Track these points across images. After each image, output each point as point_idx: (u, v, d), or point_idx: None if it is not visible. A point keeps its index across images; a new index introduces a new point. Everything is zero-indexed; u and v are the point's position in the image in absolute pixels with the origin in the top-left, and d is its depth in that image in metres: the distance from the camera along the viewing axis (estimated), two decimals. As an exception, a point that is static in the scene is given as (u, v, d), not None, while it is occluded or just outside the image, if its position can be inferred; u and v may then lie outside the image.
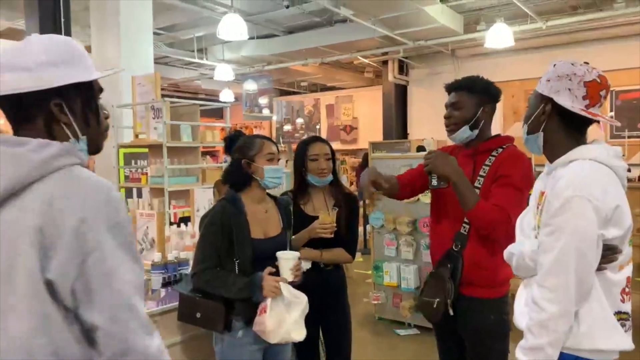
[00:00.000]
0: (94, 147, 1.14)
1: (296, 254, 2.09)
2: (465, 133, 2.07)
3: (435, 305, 2.06)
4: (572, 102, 1.44)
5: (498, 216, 1.90)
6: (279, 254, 2.05)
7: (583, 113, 1.44)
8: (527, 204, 1.92)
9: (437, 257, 2.14)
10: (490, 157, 2.05)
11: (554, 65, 1.50)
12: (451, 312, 2.03)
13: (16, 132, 1.06)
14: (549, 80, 1.48)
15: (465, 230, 2.04)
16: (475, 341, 2.09)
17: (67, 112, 1.06)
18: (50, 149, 1.00)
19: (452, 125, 2.09)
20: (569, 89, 1.44)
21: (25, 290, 0.95)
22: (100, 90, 1.16)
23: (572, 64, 1.47)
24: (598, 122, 1.50)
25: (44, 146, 1.00)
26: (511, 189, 1.95)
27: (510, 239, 1.81)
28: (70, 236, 0.95)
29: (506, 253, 1.62)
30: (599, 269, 1.38)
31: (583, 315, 1.38)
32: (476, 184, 2.02)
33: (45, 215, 0.95)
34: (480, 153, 2.08)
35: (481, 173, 2.04)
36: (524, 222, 1.62)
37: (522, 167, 2.00)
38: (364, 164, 8.03)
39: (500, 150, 2.06)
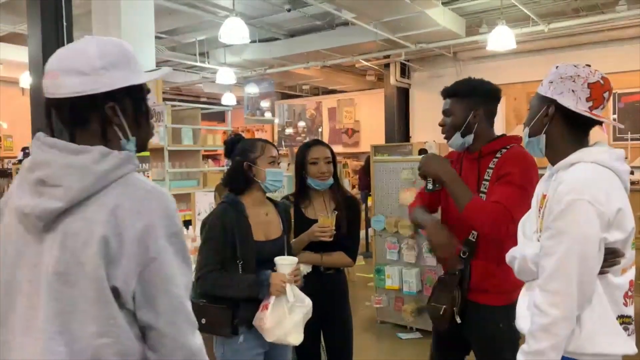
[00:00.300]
0: (141, 146, 1.18)
1: (294, 259, 2.08)
2: (458, 140, 2.04)
3: (441, 312, 2.02)
4: (576, 104, 1.43)
5: (497, 213, 1.83)
6: (277, 259, 2.05)
7: (587, 114, 1.43)
8: (529, 204, 1.90)
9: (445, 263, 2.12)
10: (494, 159, 2.00)
11: (556, 67, 1.49)
12: (458, 320, 1.99)
13: (71, 135, 1.10)
14: (551, 82, 1.47)
15: (473, 237, 2.00)
16: (485, 350, 2.05)
17: (119, 114, 1.10)
18: (112, 159, 1.04)
19: (445, 133, 2.08)
20: (573, 91, 1.43)
21: (93, 295, 1.00)
22: (148, 91, 1.19)
23: (575, 66, 1.47)
24: (601, 124, 1.49)
25: (106, 156, 1.04)
26: (511, 186, 1.88)
27: (512, 239, 1.79)
28: (132, 245, 1.00)
29: (508, 256, 1.60)
30: (601, 272, 1.37)
31: (585, 319, 1.37)
32: (482, 189, 1.98)
33: (110, 225, 1.00)
34: (484, 156, 2.03)
35: (486, 177, 1.99)
36: (526, 225, 1.61)
37: (523, 165, 1.93)
38: (367, 167, 8.02)
39: (504, 151, 2.01)
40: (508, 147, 2.02)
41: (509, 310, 2.01)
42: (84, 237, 1.00)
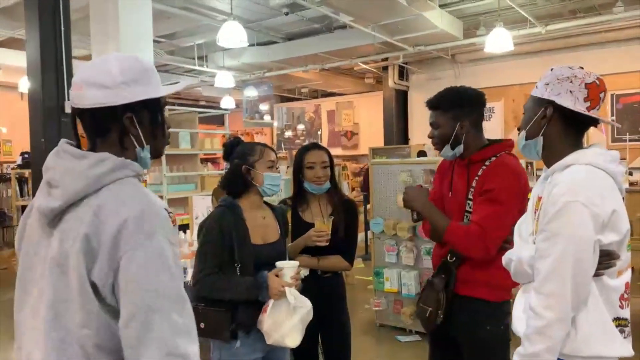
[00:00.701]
0: (156, 155, 1.29)
1: (296, 263, 2.08)
2: (448, 152, 2.09)
3: (427, 314, 2.06)
4: (574, 104, 1.44)
5: (473, 236, 1.92)
6: (279, 263, 2.04)
7: (587, 113, 1.43)
8: (515, 216, 1.93)
9: (436, 264, 2.15)
10: (483, 167, 2.02)
11: (551, 69, 1.50)
12: (438, 321, 2.04)
13: (92, 142, 1.21)
14: (548, 84, 1.47)
15: None
16: (473, 351, 2.06)
17: (136, 124, 1.20)
18: (106, 164, 1.13)
19: (436, 145, 2.13)
20: (570, 91, 1.44)
21: (77, 287, 1.08)
22: (165, 103, 1.29)
23: (570, 68, 1.47)
24: (596, 125, 1.50)
25: (101, 161, 1.13)
26: (492, 204, 1.93)
27: (490, 253, 1.90)
28: (108, 243, 1.06)
29: (505, 259, 1.61)
30: (597, 274, 1.37)
31: (581, 321, 1.37)
32: (469, 196, 2.02)
33: (92, 224, 1.07)
34: (472, 164, 2.06)
35: (473, 184, 2.02)
36: (522, 227, 1.61)
37: (506, 180, 1.96)
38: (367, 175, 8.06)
39: (493, 159, 2.03)
40: (497, 155, 2.04)
41: (498, 310, 2.03)
42: (73, 234, 1.09)
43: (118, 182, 1.12)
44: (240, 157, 2.14)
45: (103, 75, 1.16)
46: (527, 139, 1.54)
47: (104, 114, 1.17)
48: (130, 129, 1.20)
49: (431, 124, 2.11)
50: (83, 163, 1.12)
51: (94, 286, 1.07)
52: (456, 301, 2.03)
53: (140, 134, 1.21)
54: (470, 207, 2.01)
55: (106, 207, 1.08)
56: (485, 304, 2.01)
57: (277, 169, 2.18)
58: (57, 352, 1.09)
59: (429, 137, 2.14)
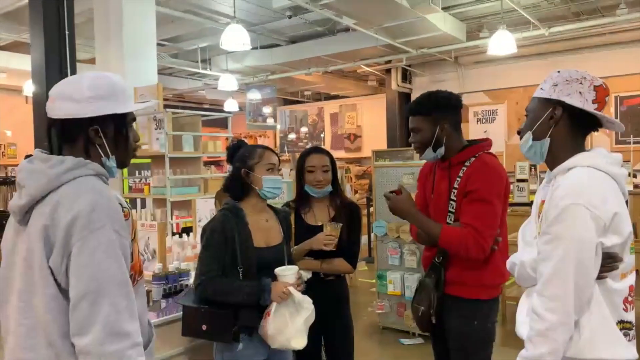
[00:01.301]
0: (121, 165, 1.41)
1: (295, 267, 2.07)
2: (430, 155, 2.13)
3: (420, 314, 2.12)
4: (583, 105, 1.44)
5: (466, 238, 1.96)
6: (277, 270, 2.03)
7: (597, 113, 1.44)
8: (500, 215, 2.02)
9: (426, 265, 2.20)
10: (463, 167, 2.08)
11: (558, 71, 1.50)
12: (433, 320, 2.08)
13: (60, 148, 1.33)
14: (556, 85, 1.47)
15: None
16: (456, 345, 2.11)
17: (101, 135, 1.33)
18: (65, 164, 1.25)
19: (417, 149, 2.17)
20: (580, 92, 1.44)
21: (38, 275, 1.20)
22: (133, 119, 1.42)
23: (577, 71, 1.48)
24: (597, 129, 1.50)
25: (61, 162, 1.25)
26: (479, 203, 1.99)
27: (486, 251, 1.96)
28: (62, 232, 1.18)
29: (508, 263, 1.61)
30: (600, 277, 1.37)
31: (584, 324, 1.37)
32: (452, 196, 2.06)
33: (50, 217, 1.20)
34: (453, 166, 2.11)
35: (455, 185, 2.07)
36: (526, 231, 1.60)
37: (489, 179, 2.02)
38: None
39: (472, 159, 2.08)
40: (476, 155, 2.09)
41: (486, 306, 2.08)
42: (36, 227, 1.22)
43: (76, 180, 1.25)
44: (240, 161, 2.14)
45: (74, 90, 1.30)
46: (533, 140, 1.53)
47: (72, 124, 1.30)
48: (95, 139, 1.33)
49: (412, 129, 2.16)
50: (45, 164, 1.26)
51: (51, 271, 1.20)
52: (446, 300, 2.08)
53: (105, 144, 1.34)
54: (452, 208, 2.06)
55: (62, 202, 1.20)
56: (474, 301, 2.07)
57: (278, 171, 2.17)
58: (25, 339, 1.22)
59: (410, 142, 2.20)
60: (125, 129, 1.39)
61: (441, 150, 2.11)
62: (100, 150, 1.34)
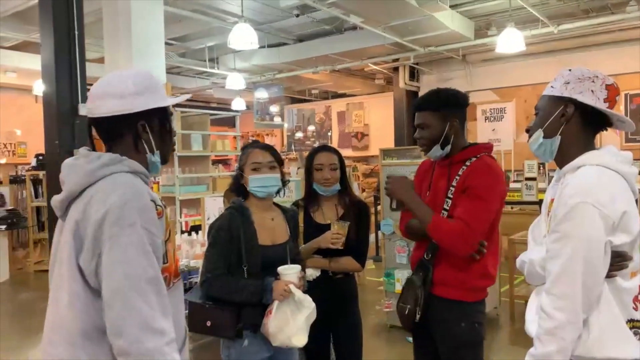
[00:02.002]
0: (164, 159, 1.42)
1: (297, 266, 2.07)
2: (437, 152, 2.09)
3: (406, 312, 2.08)
4: (595, 103, 1.44)
5: (456, 231, 1.91)
6: (280, 269, 2.04)
7: (609, 111, 1.43)
8: (495, 216, 1.99)
9: (414, 264, 2.17)
10: (463, 167, 2.05)
11: (569, 70, 1.50)
12: (416, 319, 2.05)
13: (109, 148, 1.34)
14: (568, 83, 1.47)
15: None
16: (447, 348, 2.08)
17: (148, 130, 1.34)
18: (101, 160, 1.26)
19: (424, 146, 2.12)
20: (592, 90, 1.44)
21: (67, 270, 1.21)
22: (171, 113, 1.43)
23: (588, 69, 1.48)
24: (607, 128, 1.49)
25: (97, 157, 1.27)
26: (475, 200, 1.95)
27: (473, 248, 1.93)
28: (93, 227, 1.18)
29: (518, 261, 1.60)
30: (609, 276, 1.36)
31: (593, 323, 1.36)
32: (449, 194, 2.03)
33: (83, 212, 1.21)
34: (454, 164, 2.08)
35: (453, 183, 2.04)
36: (535, 230, 1.60)
37: (488, 178, 1.99)
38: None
39: (473, 159, 2.05)
40: (478, 156, 2.06)
41: (472, 309, 2.05)
42: (70, 222, 1.23)
43: (112, 176, 1.25)
44: (238, 162, 2.19)
45: (118, 87, 1.30)
46: (544, 138, 1.52)
47: (119, 121, 1.30)
48: (143, 134, 1.33)
49: (419, 125, 2.11)
50: (83, 160, 1.28)
51: (80, 270, 1.20)
52: (433, 299, 2.05)
53: (151, 139, 1.35)
54: (447, 206, 2.04)
55: (96, 197, 1.21)
56: (459, 303, 2.04)
57: (272, 169, 2.13)
58: (49, 333, 1.24)
59: (416, 138, 2.14)
60: (169, 123, 1.40)
61: (448, 148, 2.08)
62: (146, 146, 1.35)
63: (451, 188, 2.03)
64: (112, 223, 1.17)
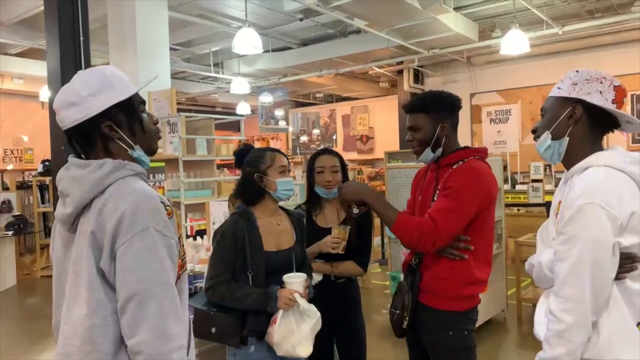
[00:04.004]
0: (148, 150, 1.36)
1: (303, 275, 2.06)
2: (428, 155, 2.05)
3: (395, 317, 2.05)
4: (603, 104, 1.43)
5: (422, 228, 1.87)
6: (285, 278, 2.02)
7: (618, 111, 1.42)
8: (468, 217, 1.91)
9: (404, 269, 2.14)
10: (450, 170, 2.01)
11: (577, 71, 1.49)
12: (404, 325, 2.01)
13: (86, 156, 1.31)
14: (575, 84, 1.46)
15: None
16: (437, 354, 2.05)
17: (116, 129, 1.28)
18: (105, 167, 1.23)
19: (415, 148, 2.06)
20: (600, 91, 1.43)
21: (86, 280, 1.20)
22: (142, 102, 1.35)
23: (595, 71, 1.47)
24: (613, 129, 1.48)
25: (100, 166, 1.24)
26: (448, 199, 1.91)
27: (437, 246, 1.87)
28: (109, 236, 1.18)
29: (527, 264, 1.59)
30: (618, 278, 1.35)
31: (602, 325, 1.35)
32: (434, 198, 1.99)
33: (96, 222, 1.20)
34: (442, 167, 2.05)
35: (439, 187, 2.00)
36: (544, 232, 1.59)
37: (465, 179, 1.93)
38: None
39: (460, 163, 2.01)
40: (465, 159, 2.02)
41: (460, 317, 2.00)
42: (84, 234, 1.21)
43: (118, 182, 1.23)
44: (251, 165, 2.15)
45: (70, 94, 1.26)
46: (552, 139, 1.51)
47: (85, 128, 1.26)
48: (112, 134, 1.28)
49: (411, 127, 2.06)
50: (85, 170, 1.24)
51: (102, 274, 1.20)
52: (420, 309, 2.01)
53: (124, 136, 1.29)
54: None
55: (107, 206, 1.20)
56: (445, 312, 1.99)
57: (289, 172, 2.18)
58: (63, 345, 1.23)
59: (408, 140, 2.09)
60: (136, 113, 1.32)
61: (439, 152, 2.04)
62: (122, 144, 1.30)
63: (437, 192, 2.00)
64: (125, 229, 1.17)
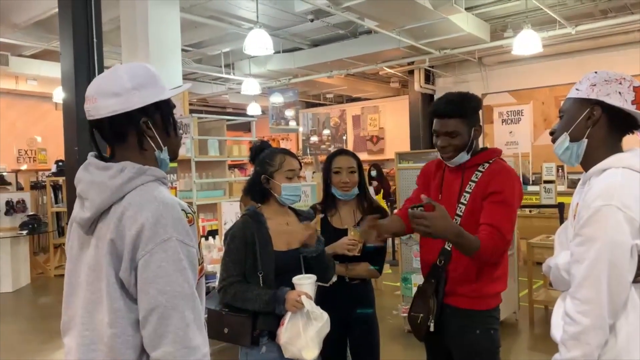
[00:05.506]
0: (173, 155, 1.35)
1: (312, 276, 2.05)
2: (463, 158, 2.03)
3: (419, 321, 2.04)
4: (623, 105, 1.42)
5: (494, 241, 1.88)
6: (295, 279, 2.02)
7: (638, 112, 1.41)
8: (515, 219, 1.99)
9: (425, 271, 2.12)
10: (476, 172, 2.01)
11: (595, 72, 1.48)
12: (431, 328, 2.00)
13: (112, 150, 1.28)
14: (594, 85, 1.45)
15: (449, 246, 2.01)
16: (462, 356, 2.04)
17: (151, 127, 1.27)
18: (125, 173, 1.20)
19: (450, 153, 2.01)
20: (620, 92, 1.42)
21: (106, 288, 1.18)
22: (173, 106, 1.34)
23: (614, 72, 1.46)
24: (633, 131, 1.47)
25: (121, 171, 1.21)
26: (503, 206, 1.93)
27: (502, 255, 1.96)
28: (130, 246, 1.15)
29: (544, 266, 1.58)
30: (636, 280, 1.33)
31: (620, 328, 1.33)
32: (462, 200, 2.00)
33: (116, 230, 1.17)
34: (467, 168, 2.04)
35: (467, 189, 2.00)
36: (562, 235, 1.58)
37: (513, 183, 1.98)
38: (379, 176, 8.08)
39: (487, 165, 2.01)
40: (491, 161, 2.03)
41: (486, 316, 2.02)
42: (103, 241, 1.19)
43: (138, 189, 1.20)
44: (260, 165, 2.15)
45: (114, 84, 1.23)
46: (571, 141, 1.50)
47: (121, 120, 1.23)
48: (147, 131, 1.26)
49: (447, 133, 1.98)
50: (105, 175, 1.21)
51: (121, 283, 1.17)
52: (445, 308, 2.02)
53: (157, 136, 1.28)
54: (460, 211, 1.99)
55: (127, 214, 1.17)
56: (472, 311, 2.00)
57: (299, 177, 2.16)
58: (86, 350, 1.20)
59: (441, 146, 2.01)
60: (172, 116, 1.32)
61: (470, 154, 2.04)
62: (152, 143, 1.28)
63: (465, 194, 1.99)
64: (147, 239, 1.14)
